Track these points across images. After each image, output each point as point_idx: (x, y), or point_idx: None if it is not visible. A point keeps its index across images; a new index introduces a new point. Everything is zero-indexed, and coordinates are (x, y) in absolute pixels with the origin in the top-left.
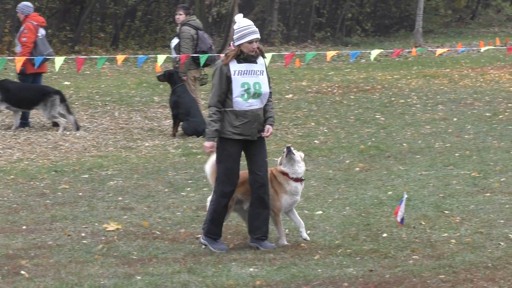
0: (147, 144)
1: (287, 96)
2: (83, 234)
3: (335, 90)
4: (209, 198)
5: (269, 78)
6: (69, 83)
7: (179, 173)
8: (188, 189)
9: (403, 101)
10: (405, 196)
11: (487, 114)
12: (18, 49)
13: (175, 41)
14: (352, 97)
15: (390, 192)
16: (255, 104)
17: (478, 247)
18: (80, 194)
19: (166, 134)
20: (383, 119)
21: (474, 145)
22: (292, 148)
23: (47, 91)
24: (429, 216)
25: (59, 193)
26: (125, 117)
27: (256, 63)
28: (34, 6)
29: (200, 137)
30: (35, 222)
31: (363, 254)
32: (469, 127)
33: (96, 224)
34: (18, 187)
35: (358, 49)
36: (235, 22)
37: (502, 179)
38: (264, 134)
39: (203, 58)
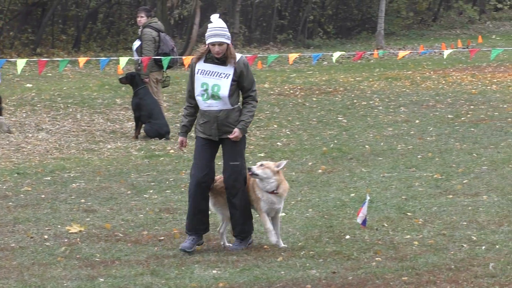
0: (109, 146)
1: None
2: (46, 236)
3: (298, 92)
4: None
5: (252, 82)
6: (31, 85)
7: (142, 175)
8: (151, 191)
9: (365, 103)
10: (368, 198)
11: (449, 116)
12: None
13: (137, 43)
14: (314, 99)
15: (352, 194)
16: (215, 106)
17: (441, 249)
18: (43, 196)
19: (129, 136)
20: (345, 121)
21: (437, 147)
22: (253, 169)
23: None
24: (391, 218)
25: (22, 195)
26: (87, 119)
27: (226, 65)
28: None
29: (163, 139)
30: None
31: (326, 256)
32: (431, 129)
33: (59, 226)
34: None
35: (320, 51)
36: (211, 22)
37: (464, 181)
38: (230, 136)
39: (166, 60)
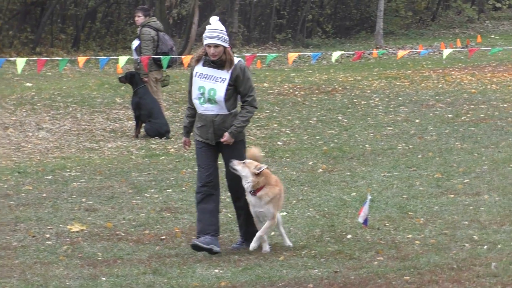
0: (109, 146)
1: None
2: (47, 235)
3: (297, 92)
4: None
5: (249, 88)
6: (31, 84)
7: (142, 174)
8: (152, 190)
9: (365, 102)
10: (369, 197)
11: (449, 115)
12: None
13: (136, 43)
14: (314, 98)
15: (353, 194)
16: (211, 110)
17: (442, 248)
18: (44, 195)
19: (129, 136)
20: (345, 120)
21: (437, 147)
22: (234, 162)
23: None
24: (393, 218)
25: (23, 194)
26: (87, 118)
27: (223, 69)
28: None
29: (163, 138)
30: None
31: (327, 256)
32: (431, 128)
33: (61, 225)
34: None
35: (319, 50)
36: (209, 23)
37: (465, 181)
38: (221, 139)
39: (165, 60)
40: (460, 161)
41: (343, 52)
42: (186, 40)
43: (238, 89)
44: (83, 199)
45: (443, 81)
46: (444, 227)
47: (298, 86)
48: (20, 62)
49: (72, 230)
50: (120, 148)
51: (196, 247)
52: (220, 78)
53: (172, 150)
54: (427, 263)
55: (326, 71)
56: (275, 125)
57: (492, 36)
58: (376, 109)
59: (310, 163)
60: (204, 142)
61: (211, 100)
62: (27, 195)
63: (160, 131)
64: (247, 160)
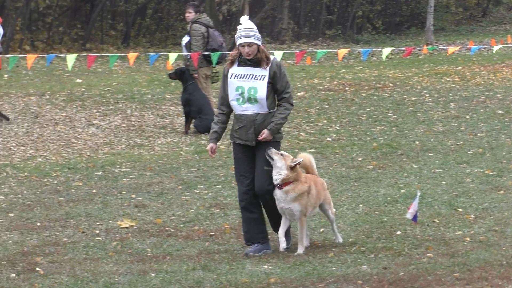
0: (159, 142)
1: (298, 94)
2: (97, 231)
3: (347, 88)
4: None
5: (286, 84)
6: (81, 80)
7: (192, 170)
8: (201, 186)
9: (415, 99)
10: (419, 194)
11: (499, 112)
12: None
13: (186, 39)
14: (363, 94)
15: (403, 190)
16: (251, 109)
17: (492, 245)
18: (94, 191)
19: (179, 132)
20: (395, 117)
21: (487, 143)
22: (272, 150)
23: None
24: (442, 214)
25: (73, 190)
26: (137, 114)
27: (260, 67)
28: (45, 4)
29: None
30: (49, 219)
31: (377, 252)
32: (481, 125)
33: (110, 221)
34: (31, 184)
35: (369, 47)
36: (240, 23)
37: None
38: (258, 137)
39: (215, 56)
40: (510, 157)
41: (393, 48)
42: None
43: (275, 86)
44: (133, 195)
45: (493, 78)
46: (494, 224)
47: (348, 83)
48: (70, 58)
49: (121, 226)
50: (169, 144)
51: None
52: (259, 75)
53: (221, 146)
54: (476, 259)
55: (376, 67)
56: (325, 122)
57: None
58: (426, 106)
59: (360, 159)
60: (242, 146)
61: (251, 100)
62: (77, 191)
63: (210, 127)
64: (284, 153)
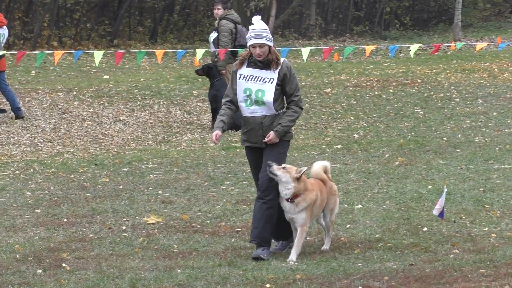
0: (186, 138)
1: (325, 90)
2: (123, 227)
3: (374, 84)
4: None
5: (295, 87)
6: (108, 77)
7: (219, 166)
8: (228, 182)
9: (442, 95)
10: (445, 190)
11: None
12: None
13: (213, 35)
14: (391, 91)
15: (430, 186)
16: (259, 112)
17: None
18: (120, 187)
19: (205, 128)
20: (422, 113)
21: None
22: (274, 167)
23: None
24: (469, 210)
25: (100, 186)
26: (164, 110)
27: (269, 69)
28: (73, 1)
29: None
30: (76, 215)
31: (403, 248)
32: (509, 121)
33: (137, 217)
34: (58, 180)
35: (397, 43)
36: (252, 24)
37: None
38: (264, 139)
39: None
40: None
41: (421, 45)
42: None
43: (284, 88)
44: (159, 191)
45: None
46: None
47: (375, 79)
48: (98, 54)
49: (148, 222)
50: (196, 140)
51: (257, 258)
52: (268, 78)
53: None
54: (503, 256)
55: (404, 63)
56: (352, 118)
57: None
58: (453, 102)
59: (387, 155)
60: (253, 149)
61: (258, 102)
62: (103, 187)
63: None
64: (286, 165)
